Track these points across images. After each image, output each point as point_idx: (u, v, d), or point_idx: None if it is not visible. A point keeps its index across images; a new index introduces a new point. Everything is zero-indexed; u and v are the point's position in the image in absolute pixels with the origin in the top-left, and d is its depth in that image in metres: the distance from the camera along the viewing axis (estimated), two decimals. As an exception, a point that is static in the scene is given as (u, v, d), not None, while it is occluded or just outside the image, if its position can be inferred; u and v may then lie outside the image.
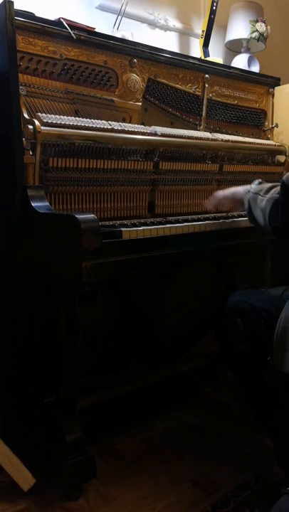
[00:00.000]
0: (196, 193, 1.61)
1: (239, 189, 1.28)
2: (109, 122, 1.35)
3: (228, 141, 1.67)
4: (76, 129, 1.26)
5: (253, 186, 1.21)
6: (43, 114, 1.22)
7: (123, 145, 1.35)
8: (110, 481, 1.29)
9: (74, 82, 1.37)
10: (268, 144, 1.89)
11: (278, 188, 1.10)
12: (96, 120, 1.32)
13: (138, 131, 1.41)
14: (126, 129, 1.37)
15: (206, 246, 1.31)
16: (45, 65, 1.30)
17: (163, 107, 1.63)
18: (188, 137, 1.54)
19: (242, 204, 1.26)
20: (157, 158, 1.46)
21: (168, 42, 2.16)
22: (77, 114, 1.35)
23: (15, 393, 1.33)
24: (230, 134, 1.78)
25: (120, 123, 1.39)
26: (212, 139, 1.62)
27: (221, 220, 1.38)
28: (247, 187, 1.24)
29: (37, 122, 1.18)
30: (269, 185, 1.17)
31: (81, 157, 1.27)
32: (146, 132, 1.43)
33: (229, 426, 1.56)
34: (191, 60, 1.67)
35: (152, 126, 1.47)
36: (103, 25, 1.69)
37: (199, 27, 2.13)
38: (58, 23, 1.30)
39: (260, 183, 1.22)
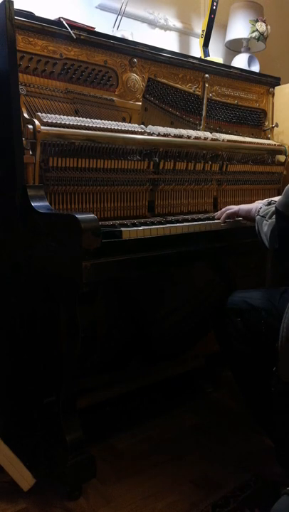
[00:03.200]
0: (196, 192, 1.61)
1: (252, 208, 1.29)
2: (109, 122, 1.34)
3: (228, 140, 1.67)
4: (76, 128, 1.26)
5: (263, 207, 1.22)
6: (43, 114, 1.22)
7: (123, 145, 1.35)
8: (110, 481, 1.29)
9: (74, 81, 1.37)
10: (268, 144, 1.89)
11: None
12: (96, 120, 1.32)
13: (138, 131, 1.41)
14: (126, 128, 1.37)
15: (206, 246, 1.31)
16: (45, 64, 1.30)
17: (163, 107, 1.62)
18: (188, 137, 1.54)
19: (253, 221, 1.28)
20: (157, 157, 1.46)
21: (168, 41, 2.16)
22: (77, 113, 1.35)
23: (15, 393, 1.33)
24: (230, 134, 1.78)
25: (120, 123, 1.39)
26: (212, 139, 1.62)
27: (218, 221, 1.38)
28: (259, 205, 1.25)
29: (37, 122, 1.18)
30: (273, 209, 1.17)
31: (81, 157, 1.27)
32: (146, 132, 1.43)
33: (229, 426, 1.56)
34: (191, 60, 1.67)
35: (152, 126, 1.47)
36: (103, 24, 1.69)
37: (199, 26, 2.13)
38: (57, 22, 1.30)
39: (269, 203, 1.22)
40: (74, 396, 1.24)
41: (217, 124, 1.81)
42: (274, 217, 1.12)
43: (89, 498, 1.22)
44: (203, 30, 2.04)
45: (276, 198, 1.22)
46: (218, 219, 1.40)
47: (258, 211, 1.23)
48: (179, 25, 2.18)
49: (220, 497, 1.22)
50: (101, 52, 1.41)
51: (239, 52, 2.31)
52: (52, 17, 1.31)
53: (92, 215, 1.01)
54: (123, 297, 1.47)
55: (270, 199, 1.25)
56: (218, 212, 1.44)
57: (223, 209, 1.42)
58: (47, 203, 1.17)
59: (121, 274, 1.15)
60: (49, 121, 1.21)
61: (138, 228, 1.16)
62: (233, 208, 1.39)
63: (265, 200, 1.26)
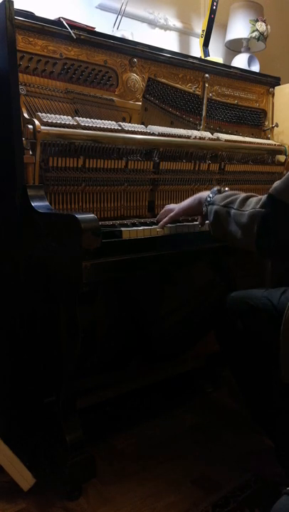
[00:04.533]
0: (196, 192, 1.59)
1: (194, 201, 1.16)
2: (109, 122, 1.34)
3: (228, 140, 1.67)
4: (76, 128, 1.26)
5: (215, 196, 1.07)
6: (43, 114, 1.22)
7: (123, 145, 1.35)
8: (110, 481, 1.29)
9: (74, 81, 1.37)
10: (268, 144, 1.89)
11: (260, 199, 0.96)
12: (96, 120, 1.32)
13: (138, 131, 1.40)
14: (126, 128, 1.37)
15: (206, 246, 1.30)
16: (45, 64, 1.30)
17: (163, 107, 1.62)
18: (188, 137, 1.54)
19: (201, 215, 1.16)
20: (157, 157, 1.46)
21: (168, 41, 2.16)
22: (77, 113, 1.35)
23: (15, 393, 1.33)
24: (230, 134, 1.78)
25: (120, 122, 1.39)
26: (212, 139, 1.62)
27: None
28: (203, 196, 1.11)
29: (37, 122, 1.18)
30: (241, 195, 1.02)
31: (81, 157, 1.27)
32: (146, 132, 1.43)
33: (229, 426, 1.56)
34: (191, 60, 1.67)
35: (152, 126, 1.47)
36: (103, 24, 1.69)
37: (199, 26, 2.13)
38: (57, 22, 1.30)
39: (219, 192, 1.08)
40: (74, 396, 1.24)
41: (217, 124, 1.81)
42: (252, 205, 0.96)
43: (89, 498, 1.22)
44: (203, 30, 2.04)
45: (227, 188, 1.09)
46: (159, 224, 1.24)
47: (208, 201, 1.07)
48: (179, 25, 2.18)
49: (220, 497, 1.21)
50: (101, 52, 1.41)
51: (239, 52, 2.31)
52: (52, 17, 1.31)
53: (92, 215, 1.01)
54: (123, 297, 1.47)
55: (217, 187, 1.11)
56: (159, 215, 1.29)
57: (162, 211, 1.28)
58: (47, 203, 1.17)
59: (121, 274, 1.15)
60: (49, 121, 1.21)
61: (138, 228, 1.16)
62: (173, 208, 1.23)
63: (213, 189, 1.11)
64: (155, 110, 1.60)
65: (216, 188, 1.11)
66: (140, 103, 1.53)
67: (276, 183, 0.94)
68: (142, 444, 1.47)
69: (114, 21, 1.76)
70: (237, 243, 1.02)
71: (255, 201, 0.97)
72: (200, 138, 1.58)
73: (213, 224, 1.07)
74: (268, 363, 1.09)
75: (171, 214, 1.22)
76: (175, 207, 1.24)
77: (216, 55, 2.18)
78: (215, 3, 2.00)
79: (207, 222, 1.12)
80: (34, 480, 1.23)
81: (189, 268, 1.60)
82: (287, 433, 1.14)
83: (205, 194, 1.12)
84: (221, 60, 1.95)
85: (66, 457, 1.19)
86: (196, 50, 2.24)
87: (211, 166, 1.62)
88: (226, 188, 1.11)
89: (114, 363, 1.53)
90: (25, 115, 1.20)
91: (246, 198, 1.00)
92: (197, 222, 1.26)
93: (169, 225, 1.23)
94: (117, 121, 1.37)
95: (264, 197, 0.96)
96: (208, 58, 1.93)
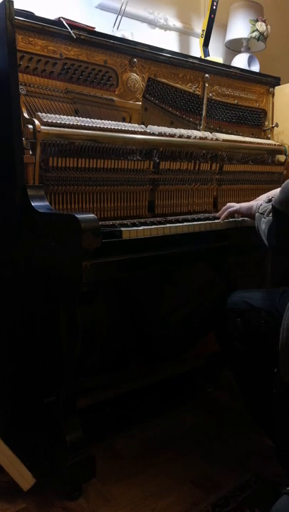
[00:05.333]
0: (196, 192, 1.61)
1: (253, 205, 1.30)
2: (109, 122, 1.34)
3: (228, 140, 1.67)
4: (76, 128, 1.26)
5: (263, 204, 1.22)
6: (43, 114, 1.22)
7: (123, 145, 1.35)
8: (110, 481, 1.29)
9: (74, 81, 1.37)
10: (268, 144, 1.89)
11: None
12: (96, 120, 1.32)
13: (138, 131, 1.40)
14: (126, 128, 1.37)
15: (206, 246, 1.31)
16: (45, 64, 1.30)
17: (163, 107, 1.62)
18: (188, 137, 1.54)
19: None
20: (157, 157, 1.46)
21: (168, 41, 2.16)
22: (77, 113, 1.35)
23: (15, 393, 1.33)
24: (230, 134, 1.78)
25: (120, 122, 1.39)
26: (212, 139, 1.62)
27: (219, 220, 1.38)
28: (259, 202, 1.25)
29: (37, 122, 1.18)
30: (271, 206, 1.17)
31: (81, 157, 1.27)
32: (146, 132, 1.43)
33: (229, 426, 1.56)
34: (191, 60, 1.67)
35: (152, 126, 1.47)
36: (103, 24, 1.69)
37: (199, 26, 2.13)
38: (57, 22, 1.30)
39: (269, 200, 1.21)
40: (74, 396, 1.24)
41: (217, 123, 1.81)
42: (271, 214, 1.12)
43: (89, 498, 1.22)
44: (203, 30, 2.04)
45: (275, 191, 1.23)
46: (219, 217, 1.39)
47: (258, 208, 1.23)
48: (179, 25, 2.18)
49: (220, 497, 1.22)
50: (101, 52, 1.41)
51: (239, 52, 2.31)
52: (52, 17, 1.31)
53: (92, 215, 1.01)
54: (123, 297, 1.47)
55: (270, 195, 1.25)
56: (220, 211, 1.43)
57: (225, 207, 1.41)
58: (47, 203, 1.17)
59: (121, 274, 1.15)
60: (49, 121, 1.21)
61: (138, 228, 1.16)
62: (235, 205, 1.38)
63: (265, 197, 1.26)
64: (155, 110, 1.60)
65: (266, 197, 1.26)
66: (140, 103, 1.53)
67: (276, 195, 1.08)
68: (142, 444, 1.47)
69: (114, 21, 1.76)
70: (265, 245, 1.19)
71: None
72: (200, 138, 1.58)
73: (256, 228, 1.23)
74: (268, 363, 1.09)
75: (233, 208, 1.37)
76: (236, 204, 1.39)
77: (216, 55, 2.18)
78: (215, 3, 2.00)
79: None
80: (34, 480, 1.23)
81: (189, 268, 1.60)
82: (287, 433, 1.14)
83: (260, 202, 1.27)
84: (221, 60, 1.95)
85: (66, 457, 1.19)
86: (196, 50, 2.24)
87: (211, 166, 1.62)
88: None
89: (114, 363, 1.53)
90: (25, 115, 1.20)
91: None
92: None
93: (174, 225, 1.25)
94: (117, 121, 1.37)
95: None
96: (208, 58, 1.93)
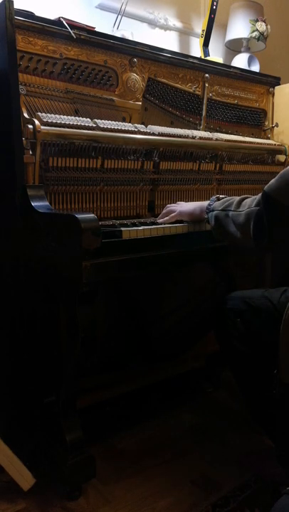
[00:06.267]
0: (196, 192, 1.61)
1: (196, 208, 1.24)
2: (109, 122, 1.34)
3: (228, 140, 1.67)
4: (76, 128, 1.26)
5: (215, 203, 1.16)
6: (43, 114, 1.22)
7: (123, 144, 1.35)
8: (110, 481, 1.29)
9: (74, 81, 1.37)
10: (268, 144, 1.89)
11: (254, 199, 1.06)
12: (96, 120, 1.32)
13: (138, 131, 1.40)
14: (126, 128, 1.37)
15: (206, 246, 1.30)
16: (45, 64, 1.30)
17: (163, 107, 1.62)
18: (188, 137, 1.54)
19: (199, 222, 1.23)
20: (157, 157, 1.46)
21: (168, 41, 2.16)
22: (77, 113, 1.35)
23: (15, 393, 1.33)
24: (230, 134, 1.78)
25: (120, 122, 1.39)
26: (212, 139, 1.62)
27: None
28: (204, 204, 1.21)
29: (37, 122, 1.18)
30: (236, 198, 1.11)
31: (81, 157, 1.27)
32: (146, 132, 1.43)
33: (229, 426, 1.56)
34: (191, 60, 1.67)
35: (152, 126, 1.47)
36: (103, 24, 1.69)
37: (199, 26, 2.13)
38: (57, 22, 1.30)
39: (218, 199, 1.18)
40: (74, 396, 1.24)
41: (217, 123, 1.81)
42: (247, 205, 1.05)
43: (89, 498, 1.22)
44: (203, 30, 2.04)
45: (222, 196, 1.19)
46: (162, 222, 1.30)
47: (209, 208, 1.17)
48: (179, 25, 2.18)
49: (220, 497, 1.22)
50: (101, 52, 1.41)
51: (239, 52, 2.31)
52: (52, 17, 1.31)
53: (92, 215, 1.01)
54: (123, 297, 1.47)
55: (217, 195, 1.20)
56: (161, 215, 1.34)
57: (165, 211, 1.33)
58: (47, 203, 1.17)
59: (121, 274, 1.15)
60: (49, 121, 1.21)
61: (138, 228, 1.16)
62: (175, 210, 1.29)
63: (213, 198, 1.20)
64: (155, 110, 1.60)
65: (214, 196, 1.20)
66: (140, 103, 1.53)
67: (271, 182, 1.02)
68: (142, 443, 1.47)
69: (114, 21, 1.76)
70: (238, 242, 1.11)
71: (250, 201, 1.06)
72: (200, 138, 1.58)
73: (215, 228, 1.16)
74: (268, 363, 1.09)
75: (173, 214, 1.29)
76: (177, 208, 1.29)
77: (216, 55, 2.18)
78: (215, 3, 2.00)
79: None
80: (34, 480, 1.23)
81: (189, 268, 1.60)
82: (287, 433, 1.14)
83: (205, 203, 1.21)
84: (221, 60, 1.95)
85: (66, 457, 1.19)
86: (196, 50, 2.24)
87: (211, 166, 1.62)
88: (223, 196, 1.19)
89: (114, 363, 1.53)
90: (25, 115, 1.20)
91: (242, 200, 1.09)
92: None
93: (174, 225, 1.24)
94: (117, 121, 1.37)
95: (258, 196, 1.04)
96: (208, 58, 1.93)
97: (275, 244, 1.07)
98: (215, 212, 1.15)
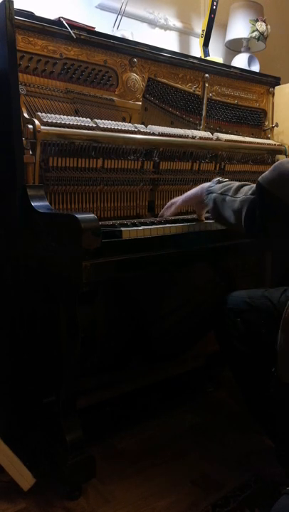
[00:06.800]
0: (196, 192, 1.61)
1: (197, 190, 1.25)
2: (109, 122, 1.34)
3: (228, 140, 1.67)
4: (76, 128, 1.26)
5: (215, 186, 1.17)
6: (43, 114, 1.22)
7: (123, 144, 1.35)
8: (110, 481, 1.29)
9: (74, 81, 1.37)
10: (268, 144, 1.89)
11: (251, 187, 1.07)
12: (96, 119, 1.32)
13: (138, 131, 1.40)
14: (126, 128, 1.37)
15: (206, 246, 1.30)
16: (45, 64, 1.30)
17: (163, 107, 1.62)
18: (188, 137, 1.54)
19: (202, 204, 1.23)
20: (157, 157, 1.46)
21: (168, 41, 2.16)
22: (77, 113, 1.35)
23: (15, 393, 1.33)
24: (230, 134, 1.78)
25: (120, 122, 1.39)
26: (212, 139, 1.62)
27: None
28: (204, 186, 1.21)
29: (37, 122, 1.18)
30: (236, 184, 1.12)
31: (81, 157, 1.27)
32: (146, 132, 1.43)
33: (229, 426, 1.56)
34: (191, 60, 1.67)
35: (152, 126, 1.47)
36: (103, 24, 1.69)
37: (199, 26, 2.13)
38: (57, 22, 1.30)
39: (219, 182, 1.18)
40: (74, 396, 1.24)
41: (217, 123, 1.81)
42: (244, 192, 1.06)
43: (89, 498, 1.22)
44: (203, 30, 2.04)
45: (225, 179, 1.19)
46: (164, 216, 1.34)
47: (209, 189, 1.17)
48: (179, 24, 2.18)
49: (220, 497, 1.22)
50: (101, 52, 1.41)
51: (239, 52, 2.31)
52: (52, 17, 1.31)
53: (92, 215, 1.01)
54: (123, 297, 1.47)
55: (218, 178, 1.21)
56: (165, 208, 1.38)
57: (168, 204, 1.36)
58: (47, 203, 1.17)
59: (121, 274, 1.15)
60: (49, 121, 1.21)
61: (138, 228, 1.16)
62: (177, 200, 1.32)
63: (214, 180, 1.21)
64: (155, 110, 1.60)
65: (216, 179, 1.21)
66: (140, 103, 1.53)
67: (265, 173, 1.01)
68: (142, 444, 1.47)
69: (114, 21, 1.76)
70: (231, 227, 1.13)
71: (247, 189, 1.08)
72: (200, 138, 1.58)
73: (212, 210, 1.17)
74: (268, 363, 1.09)
75: (177, 204, 1.32)
76: (178, 199, 1.32)
77: (216, 55, 2.18)
78: (215, 3, 2.00)
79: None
80: (34, 480, 1.23)
81: (189, 268, 1.60)
82: (287, 433, 1.14)
83: (206, 184, 1.22)
84: (221, 60, 1.95)
85: (66, 457, 1.19)
86: (196, 50, 2.24)
87: (211, 166, 1.62)
88: (226, 179, 1.19)
89: (114, 362, 1.53)
90: (25, 115, 1.20)
91: (240, 186, 1.11)
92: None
93: (174, 225, 1.25)
94: (117, 121, 1.37)
95: (254, 185, 1.05)
96: (208, 58, 1.93)
97: (272, 239, 1.11)
98: (213, 195, 1.15)
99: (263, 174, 1.01)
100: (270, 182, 0.99)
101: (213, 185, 1.18)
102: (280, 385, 1.02)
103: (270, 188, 0.98)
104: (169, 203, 1.37)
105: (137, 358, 1.59)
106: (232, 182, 1.15)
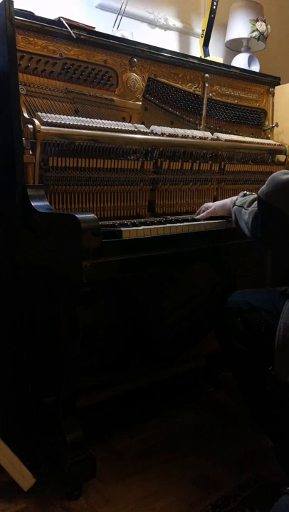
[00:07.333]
0: (196, 192, 1.61)
1: (227, 201, 1.33)
2: (110, 122, 1.34)
3: (228, 140, 1.67)
4: (76, 128, 1.26)
5: (239, 198, 1.26)
6: (43, 114, 1.22)
7: (123, 144, 1.35)
8: (110, 481, 1.29)
9: (74, 81, 1.37)
10: (268, 144, 1.89)
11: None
12: (96, 119, 1.32)
13: (138, 131, 1.40)
14: (126, 128, 1.37)
15: (206, 246, 1.31)
16: (45, 64, 1.30)
17: (163, 107, 1.62)
18: (188, 137, 1.54)
19: (229, 215, 1.32)
20: (157, 157, 1.46)
21: (168, 41, 2.16)
22: (77, 113, 1.35)
23: (15, 393, 1.33)
24: (230, 134, 1.78)
25: (120, 122, 1.39)
26: (212, 139, 1.62)
27: (220, 220, 1.38)
28: (234, 198, 1.29)
29: (37, 122, 1.18)
30: (253, 197, 1.21)
31: (81, 156, 1.27)
32: (146, 132, 1.43)
33: (229, 426, 1.56)
34: (191, 60, 1.67)
35: (152, 126, 1.47)
36: (103, 24, 1.69)
37: (199, 26, 2.13)
38: (57, 22, 1.30)
39: (244, 195, 1.26)
40: (74, 396, 1.24)
41: (217, 123, 1.81)
42: (255, 204, 1.14)
43: (89, 498, 1.22)
44: (203, 30, 2.04)
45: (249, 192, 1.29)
46: (198, 218, 1.40)
47: (234, 202, 1.26)
48: (179, 24, 2.18)
49: (220, 497, 1.21)
50: (101, 52, 1.41)
51: (239, 52, 2.31)
52: (52, 17, 1.31)
53: (92, 215, 1.01)
54: (123, 297, 1.47)
55: (244, 191, 1.29)
56: (198, 211, 1.46)
57: (202, 207, 1.44)
58: (47, 203, 1.17)
59: (121, 274, 1.15)
60: (49, 120, 1.21)
61: (138, 228, 1.16)
62: (211, 205, 1.41)
63: (241, 193, 1.29)
64: (155, 110, 1.60)
65: (242, 192, 1.29)
66: (140, 103, 1.53)
67: (262, 187, 1.10)
68: (142, 443, 1.47)
69: (114, 21, 1.76)
70: (246, 236, 1.21)
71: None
72: (200, 138, 1.58)
73: (234, 221, 1.27)
74: (268, 363, 1.09)
75: (209, 210, 1.39)
76: (212, 204, 1.42)
77: (216, 55, 2.18)
78: (215, 3, 2.00)
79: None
80: (34, 480, 1.23)
81: (189, 268, 1.60)
82: (287, 433, 1.14)
83: (235, 197, 1.30)
84: (221, 60, 1.95)
85: (66, 457, 1.19)
86: (196, 50, 2.24)
87: (211, 166, 1.62)
88: (252, 193, 1.27)
89: (114, 362, 1.54)
90: (25, 115, 1.20)
91: (254, 200, 1.18)
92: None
93: (174, 225, 1.26)
94: (117, 121, 1.37)
95: None
96: (208, 58, 1.93)
97: (268, 244, 1.19)
98: (235, 207, 1.25)
99: (261, 187, 1.09)
100: (266, 194, 1.06)
101: (237, 198, 1.27)
102: (276, 382, 1.02)
103: (267, 200, 1.06)
104: (203, 207, 1.44)
105: (136, 357, 1.59)
106: (252, 194, 1.23)
